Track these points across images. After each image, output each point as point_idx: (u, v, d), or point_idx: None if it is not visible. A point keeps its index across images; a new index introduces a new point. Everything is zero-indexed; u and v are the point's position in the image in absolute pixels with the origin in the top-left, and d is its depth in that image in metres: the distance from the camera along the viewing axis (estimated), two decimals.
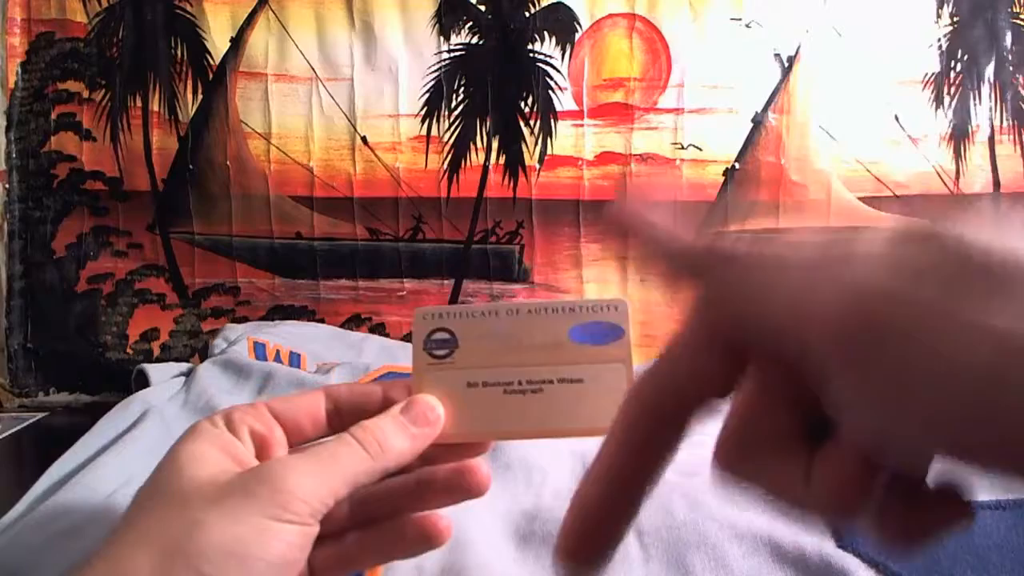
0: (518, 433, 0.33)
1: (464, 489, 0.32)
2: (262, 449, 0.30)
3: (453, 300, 0.84)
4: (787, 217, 0.82)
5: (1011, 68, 0.81)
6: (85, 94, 0.83)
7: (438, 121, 0.82)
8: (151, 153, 0.83)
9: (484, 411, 0.31)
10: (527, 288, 0.83)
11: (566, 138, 0.82)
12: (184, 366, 0.66)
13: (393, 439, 0.29)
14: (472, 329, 0.32)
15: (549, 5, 0.81)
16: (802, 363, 0.17)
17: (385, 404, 0.32)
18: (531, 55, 0.82)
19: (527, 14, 0.81)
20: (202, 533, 0.25)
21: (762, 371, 0.20)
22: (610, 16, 0.81)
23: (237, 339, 0.69)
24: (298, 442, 0.32)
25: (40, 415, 0.75)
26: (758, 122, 0.81)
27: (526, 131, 0.82)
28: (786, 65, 0.81)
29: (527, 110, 0.82)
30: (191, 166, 0.82)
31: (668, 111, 0.81)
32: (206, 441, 0.29)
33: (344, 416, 0.32)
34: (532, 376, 0.31)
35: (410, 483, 0.33)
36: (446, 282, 0.84)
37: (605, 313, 0.31)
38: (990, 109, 0.82)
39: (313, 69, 0.82)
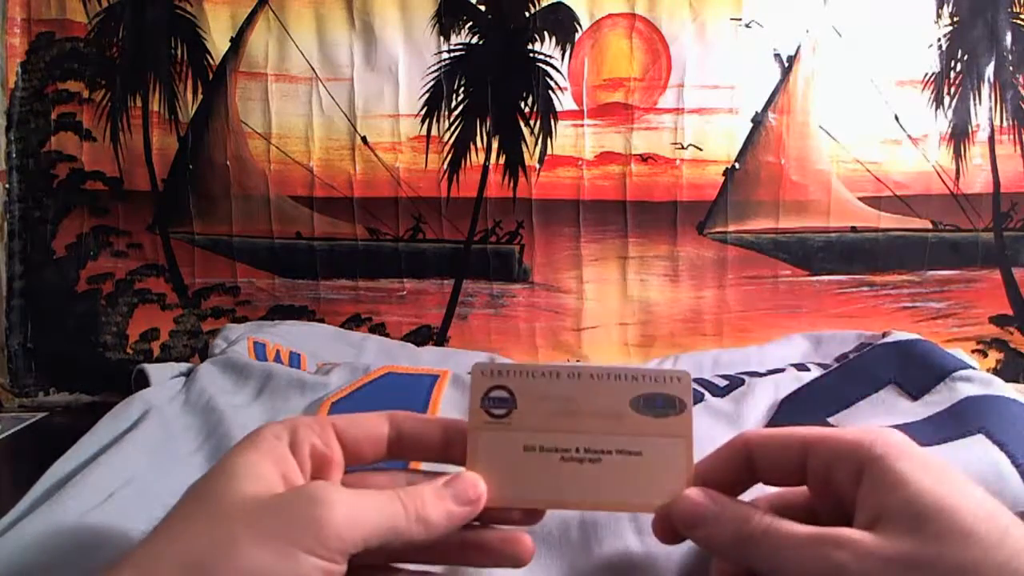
0: (572, 504, 0.32)
1: (507, 558, 0.32)
2: (320, 470, 0.30)
3: (453, 300, 0.84)
4: (787, 217, 0.82)
5: (1011, 68, 0.81)
6: (85, 94, 0.83)
7: (438, 121, 0.82)
8: (151, 153, 0.83)
9: (539, 477, 0.31)
10: (527, 288, 0.83)
11: (566, 138, 0.82)
12: (184, 366, 0.66)
13: (431, 510, 0.29)
14: (531, 390, 0.31)
15: (549, 5, 0.81)
16: None
17: (444, 443, 0.32)
18: (531, 55, 0.82)
19: (527, 14, 0.81)
20: (230, 552, 0.24)
21: None
22: (610, 16, 0.81)
23: (237, 339, 0.69)
24: (354, 465, 0.32)
25: (40, 415, 0.75)
26: (758, 122, 0.81)
27: (526, 131, 0.82)
28: (786, 65, 0.81)
29: (527, 110, 0.82)
30: (191, 166, 0.83)
31: (668, 111, 0.81)
32: (263, 453, 0.28)
33: (404, 446, 0.32)
34: (591, 444, 0.30)
35: (455, 541, 0.32)
36: (446, 282, 0.84)
37: (667, 384, 0.31)
38: (990, 109, 0.82)
39: (313, 69, 0.82)
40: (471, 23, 0.82)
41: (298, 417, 0.31)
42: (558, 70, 0.82)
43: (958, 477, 0.27)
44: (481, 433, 0.31)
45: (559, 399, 0.31)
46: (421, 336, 0.84)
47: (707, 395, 0.60)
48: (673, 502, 0.29)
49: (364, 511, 0.27)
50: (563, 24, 0.81)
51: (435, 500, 0.29)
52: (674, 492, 0.30)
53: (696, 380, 0.65)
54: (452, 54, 0.82)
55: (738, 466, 0.31)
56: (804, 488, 0.31)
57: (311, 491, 0.27)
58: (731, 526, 0.28)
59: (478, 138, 0.82)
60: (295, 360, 0.70)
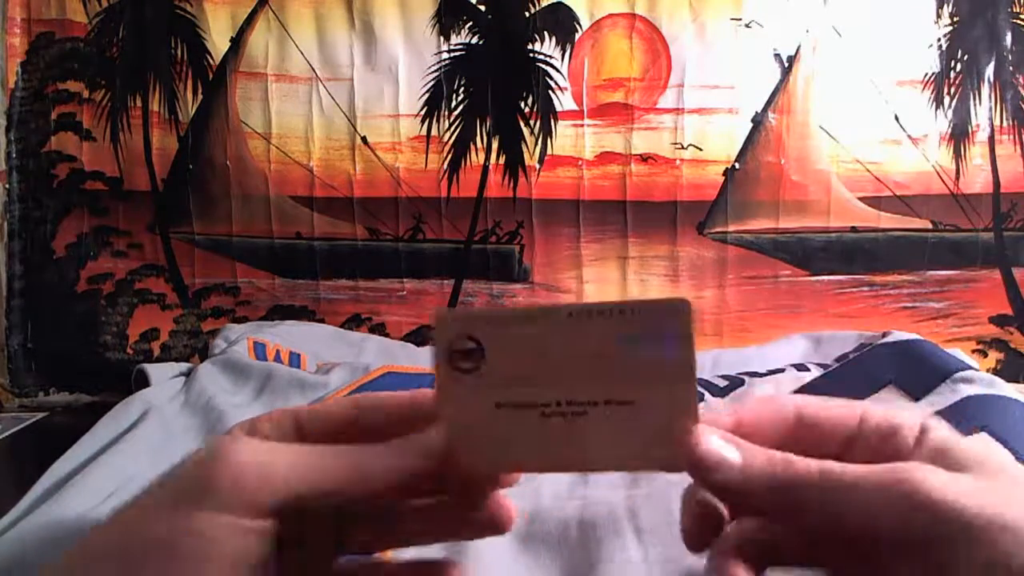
0: (556, 467, 0.27)
1: (488, 525, 0.29)
2: None
3: (453, 300, 0.84)
4: (787, 217, 0.82)
5: (1011, 68, 0.81)
6: (85, 94, 0.83)
7: (438, 121, 0.82)
8: (151, 153, 0.83)
9: (516, 437, 0.26)
10: (527, 288, 0.83)
11: (566, 138, 0.82)
12: (184, 366, 0.66)
13: (374, 462, 0.25)
14: (502, 337, 0.26)
15: (549, 5, 0.81)
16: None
17: (412, 415, 0.29)
18: (531, 55, 0.82)
19: (527, 14, 0.81)
20: (135, 526, 0.23)
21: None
22: (610, 16, 0.81)
23: (237, 339, 0.69)
24: None
25: (40, 415, 0.75)
26: (758, 122, 0.81)
27: (526, 131, 0.82)
28: (786, 65, 0.81)
29: (527, 110, 0.82)
30: (191, 166, 0.83)
31: (668, 111, 0.81)
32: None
33: (369, 423, 0.29)
34: (574, 396, 0.26)
35: (430, 511, 0.29)
36: (446, 282, 0.84)
37: (662, 317, 0.25)
38: (990, 109, 0.82)
39: (313, 69, 0.82)
40: (471, 23, 0.82)
41: (263, 414, 0.28)
42: (558, 70, 0.82)
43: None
44: (448, 390, 0.27)
45: (535, 345, 0.26)
46: (421, 336, 0.84)
47: (707, 395, 0.60)
48: (686, 440, 0.25)
49: (290, 462, 0.24)
50: (563, 24, 0.81)
51: (382, 454, 0.25)
52: (673, 446, 0.25)
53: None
54: (452, 54, 0.82)
55: (778, 429, 0.28)
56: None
57: (208, 446, 0.25)
58: (768, 469, 0.24)
59: (478, 138, 0.82)
60: (295, 360, 0.70)
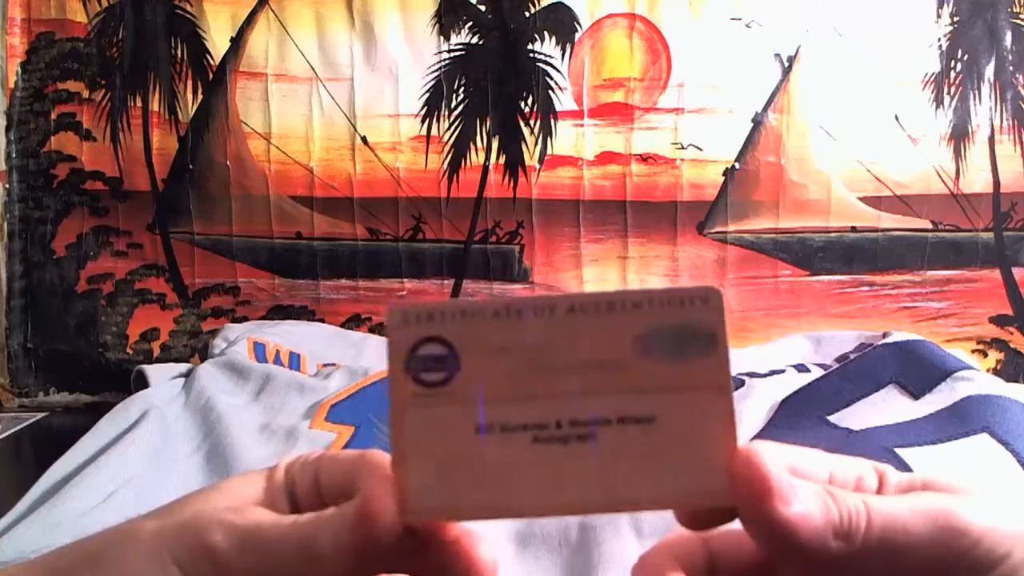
0: (556, 508, 0.21)
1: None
2: None
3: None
4: (787, 217, 0.82)
5: (1011, 68, 0.81)
6: (85, 94, 0.83)
7: (438, 121, 0.82)
8: (151, 153, 0.83)
9: (502, 472, 0.20)
10: (527, 288, 0.83)
11: (566, 138, 0.82)
12: (183, 367, 0.66)
13: (322, 539, 0.21)
14: (482, 339, 0.21)
15: (549, 5, 0.81)
16: None
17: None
18: (531, 55, 0.81)
19: (527, 14, 0.81)
20: (117, 551, 0.22)
21: None
22: (610, 16, 0.81)
23: (237, 339, 0.69)
24: None
25: (40, 415, 0.76)
26: (758, 122, 0.81)
27: (526, 131, 0.82)
28: (786, 65, 0.81)
29: (527, 110, 0.82)
30: (191, 166, 0.83)
31: (668, 111, 0.81)
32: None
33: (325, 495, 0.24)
34: (577, 413, 0.20)
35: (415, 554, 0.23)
36: (446, 282, 0.84)
37: (686, 310, 0.20)
38: (990, 109, 0.82)
39: (313, 69, 0.82)
40: (471, 23, 0.82)
41: (293, 457, 0.25)
42: (558, 70, 0.82)
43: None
44: (408, 412, 0.21)
45: (525, 350, 0.21)
46: None
47: None
48: (748, 463, 0.20)
49: (244, 531, 0.22)
50: (563, 24, 0.81)
51: (331, 525, 0.21)
52: (711, 472, 0.20)
53: None
54: (452, 54, 0.82)
55: None
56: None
57: (199, 510, 0.23)
58: (826, 504, 0.20)
59: (478, 138, 0.82)
60: (295, 360, 0.70)
